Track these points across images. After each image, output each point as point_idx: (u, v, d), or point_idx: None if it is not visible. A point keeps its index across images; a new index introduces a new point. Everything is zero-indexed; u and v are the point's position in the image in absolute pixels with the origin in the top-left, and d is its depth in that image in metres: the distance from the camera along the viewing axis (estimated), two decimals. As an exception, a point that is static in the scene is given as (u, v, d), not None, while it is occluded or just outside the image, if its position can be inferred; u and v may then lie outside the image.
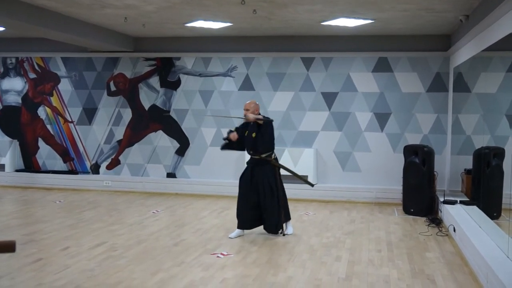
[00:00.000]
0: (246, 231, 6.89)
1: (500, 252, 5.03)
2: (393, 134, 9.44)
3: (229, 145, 6.95)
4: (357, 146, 9.58)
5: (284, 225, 6.89)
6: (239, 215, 6.85)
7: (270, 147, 6.81)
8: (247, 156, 7.23)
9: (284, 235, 6.81)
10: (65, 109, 10.82)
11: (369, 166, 9.55)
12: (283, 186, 6.91)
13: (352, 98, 9.55)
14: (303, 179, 7.35)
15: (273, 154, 6.87)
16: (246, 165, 6.98)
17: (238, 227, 6.83)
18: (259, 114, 6.85)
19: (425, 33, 8.93)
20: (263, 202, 6.73)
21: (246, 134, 6.83)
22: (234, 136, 6.82)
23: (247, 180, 6.81)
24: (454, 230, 6.62)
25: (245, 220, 6.82)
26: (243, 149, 7.06)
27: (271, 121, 6.77)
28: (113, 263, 5.54)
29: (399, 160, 8.94)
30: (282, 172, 6.99)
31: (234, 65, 10.00)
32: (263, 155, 6.74)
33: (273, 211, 6.73)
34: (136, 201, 9.40)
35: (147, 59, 10.39)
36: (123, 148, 10.60)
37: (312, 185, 7.50)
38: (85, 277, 5.06)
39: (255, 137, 6.70)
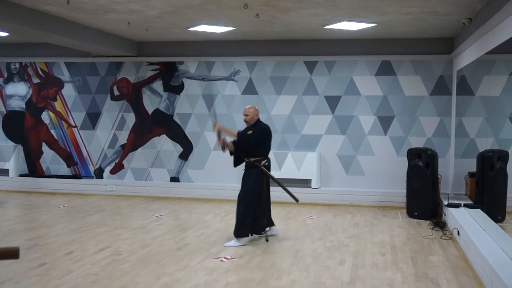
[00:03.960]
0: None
1: (504, 256, 5.01)
2: (397, 138, 9.43)
3: (239, 158, 6.85)
4: (360, 150, 9.58)
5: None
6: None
7: (259, 152, 6.68)
8: None
9: (266, 240, 6.75)
10: (69, 113, 10.85)
11: (372, 170, 9.54)
12: (266, 197, 6.75)
13: (355, 101, 9.55)
14: (289, 192, 6.87)
15: (265, 161, 6.73)
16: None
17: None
18: (258, 119, 6.80)
19: (428, 36, 8.93)
20: (240, 204, 6.63)
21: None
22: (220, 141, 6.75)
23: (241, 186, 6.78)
24: (458, 234, 6.60)
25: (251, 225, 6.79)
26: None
27: (243, 137, 6.68)
28: (117, 267, 5.54)
29: (403, 164, 8.93)
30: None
31: (237, 69, 10.02)
32: (252, 159, 6.65)
33: (238, 214, 6.60)
34: (139, 205, 9.41)
35: (150, 64, 10.41)
36: (127, 153, 10.62)
37: (297, 201, 6.98)
38: (89, 282, 5.07)
39: (249, 134, 6.64)
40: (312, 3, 6.58)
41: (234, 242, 6.55)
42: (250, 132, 6.67)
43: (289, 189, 6.94)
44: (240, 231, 6.58)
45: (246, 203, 6.58)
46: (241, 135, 6.71)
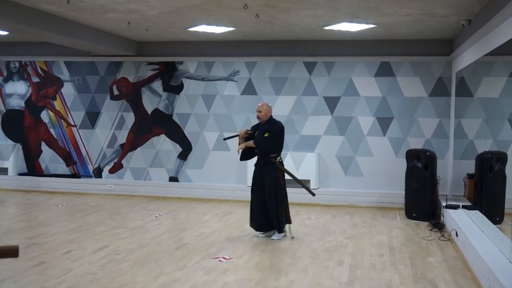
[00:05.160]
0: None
1: (502, 257, 5.02)
2: (396, 139, 9.44)
3: (247, 154, 7.01)
4: (359, 151, 9.58)
5: (287, 226, 6.98)
6: (250, 217, 7.02)
7: (275, 149, 6.86)
8: (250, 161, 7.31)
9: (292, 237, 6.93)
10: (68, 113, 10.85)
11: (371, 171, 9.54)
12: (285, 190, 6.96)
13: (355, 102, 9.56)
14: (306, 187, 7.21)
15: (279, 158, 6.91)
16: (254, 168, 7.07)
17: (256, 230, 7.03)
18: (271, 116, 6.92)
19: (427, 37, 8.94)
20: (268, 203, 6.83)
21: (256, 134, 6.91)
22: (242, 133, 7.01)
23: (254, 183, 6.96)
24: (457, 235, 6.61)
25: (256, 222, 6.97)
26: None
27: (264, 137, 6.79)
28: (116, 267, 5.55)
29: (402, 165, 8.94)
30: (286, 176, 7.01)
31: (236, 70, 10.02)
32: (272, 155, 6.81)
33: (273, 212, 6.83)
34: (138, 205, 9.41)
35: (150, 63, 10.42)
36: (126, 152, 10.62)
37: (314, 195, 7.26)
38: (87, 281, 5.07)
39: (267, 137, 6.77)
40: (312, 4, 6.59)
41: (278, 235, 6.90)
42: (266, 134, 6.76)
43: (290, 189, 7.10)
44: (281, 227, 6.88)
45: (277, 198, 6.78)
46: (259, 140, 6.80)
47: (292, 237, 6.94)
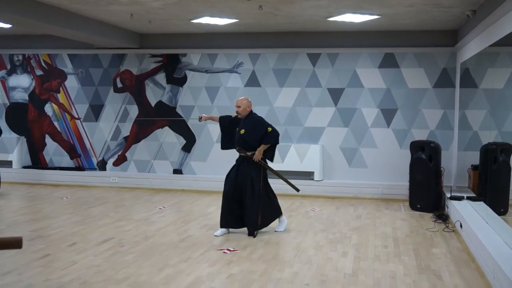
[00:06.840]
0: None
1: (507, 248, 5.01)
2: (400, 130, 9.42)
3: (227, 143, 6.91)
4: (363, 142, 9.57)
5: (261, 228, 6.72)
6: (222, 213, 6.73)
7: (255, 147, 6.60)
8: None
9: (254, 237, 6.57)
10: (72, 105, 10.85)
11: (375, 162, 9.53)
12: (267, 185, 6.73)
13: (359, 94, 9.53)
14: (289, 183, 7.00)
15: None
16: (235, 163, 6.83)
17: (221, 226, 6.71)
18: (251, 111, 6.71)
19: (431, 28, 8.89)
20: (244, 202, 6.59)
21: (237, 130, 6.74)
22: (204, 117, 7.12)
23: (232, 178, 6.69)
24: (461, 226, 6.60)
25: (229, 219, 6.67)
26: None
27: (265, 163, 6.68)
28: (120, 259, 5.56)
29: (406, 156, 8.92)
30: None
31: (240, 61, 10.00)
32: (249, 153, 6.60)
33: (251, 213, 6.55)
34: (142, 197, 9.43)
35: (153, 56, 10.40)
36: (130, 145, 10.63)
37: (298, 190, 7.10)
38: (92, 273, 5.09)
39: (243, 134, 6.59)
40: (316, -5, 6.56)
41: (282, 226, 6.88)
42: (242, 131, 6.59)
43: (291, 181, 6.99)
44: (277, 211, 6.82)
45: (255, 198, 6.53)
46: (269, 138, 6.59)
47: (254, 236, 6.57)
